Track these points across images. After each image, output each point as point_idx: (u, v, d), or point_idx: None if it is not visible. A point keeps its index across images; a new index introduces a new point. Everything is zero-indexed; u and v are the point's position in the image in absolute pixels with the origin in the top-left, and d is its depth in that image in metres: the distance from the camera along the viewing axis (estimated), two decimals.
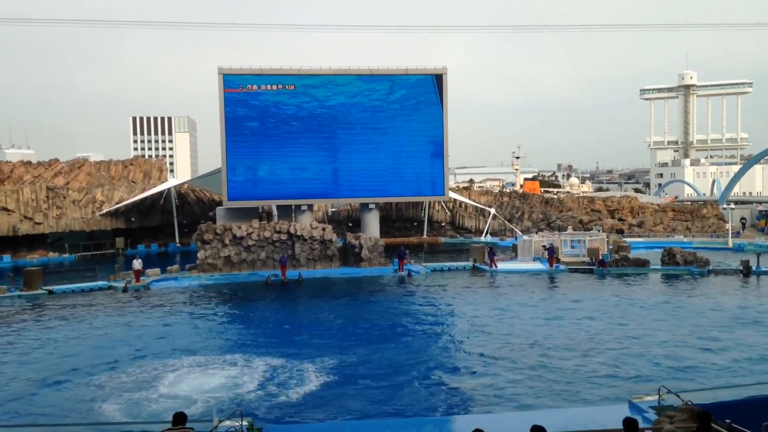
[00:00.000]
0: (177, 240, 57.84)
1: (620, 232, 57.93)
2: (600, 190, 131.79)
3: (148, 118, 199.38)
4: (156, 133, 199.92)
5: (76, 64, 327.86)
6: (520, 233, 56.72)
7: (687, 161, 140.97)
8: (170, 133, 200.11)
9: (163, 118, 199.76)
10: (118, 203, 55.90)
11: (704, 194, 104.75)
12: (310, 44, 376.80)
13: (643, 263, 39.75)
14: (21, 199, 51.24)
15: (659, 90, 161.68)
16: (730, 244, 51.12)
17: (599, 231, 50.42)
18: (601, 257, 40.65)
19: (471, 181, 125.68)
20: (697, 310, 27.96)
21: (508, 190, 79.37)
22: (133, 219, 56.70)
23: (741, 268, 37.51)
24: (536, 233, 49.52)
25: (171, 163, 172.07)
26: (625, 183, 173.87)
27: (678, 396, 12.19)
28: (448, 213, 64.15)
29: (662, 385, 13.16)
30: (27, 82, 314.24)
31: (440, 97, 47.02)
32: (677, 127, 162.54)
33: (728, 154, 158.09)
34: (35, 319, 28.46)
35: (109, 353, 22.20)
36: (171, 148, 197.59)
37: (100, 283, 36.94)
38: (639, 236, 56.81)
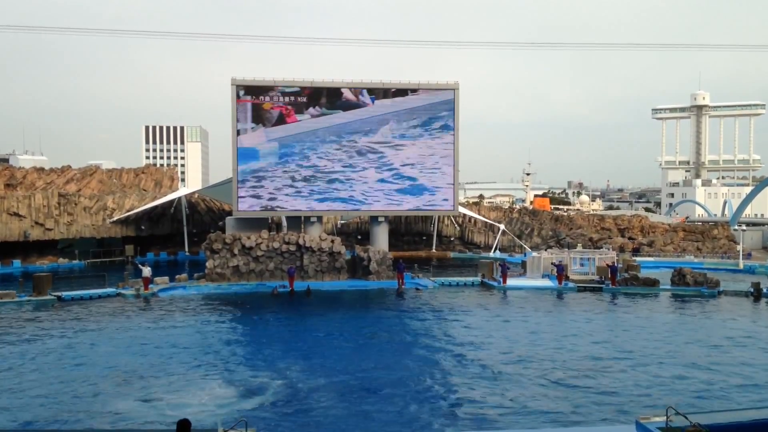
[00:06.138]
0: (186, 249, 58.06)
1: (636, 251, 57.58)
2: (610, 208, 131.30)
3: (161, 127, 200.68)
4: (168, 142, 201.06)
5: (90, 72, 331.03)
6: (530, 249, 56.53)
7: (698, 181, 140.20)
8: (182, 143, 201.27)
9: (175, 128, 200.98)
10: (128, 211, 56.25)
11: (715, 215, 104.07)
12: (323, 56, 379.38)
13: (652, 283, 39.48)
14: (33, 205, 51.67)
15: (671, 110, 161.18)
16: (741, 266, 50.73)
17: (609, 249, 50.16)
18: (611, 265, 40.40)
19: (481, 196, 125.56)
20: (707, 332, 27.70)
21: (517, 207, 79.18)
22: (143, 227, 57.00)
23: (751, 290, 37.16)
24: (545, 250, 49.31)
25: (182, 172, 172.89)
26: (635, 202, 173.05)
27: (686, 417, 12.04)
28: (458, 228, 64.08)
29: (670, 406, 13.01)
30: (41, 89, 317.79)
31: (452, 112, 47.14)
32: (689, 147, 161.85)
33: (740, 176, 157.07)
34: (35, 327, 28.59)
35: (111, 361, 22.24)
36: (183, 158, 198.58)
37: (109, 290, 37.08)
38: (649, 256, 56.46)
